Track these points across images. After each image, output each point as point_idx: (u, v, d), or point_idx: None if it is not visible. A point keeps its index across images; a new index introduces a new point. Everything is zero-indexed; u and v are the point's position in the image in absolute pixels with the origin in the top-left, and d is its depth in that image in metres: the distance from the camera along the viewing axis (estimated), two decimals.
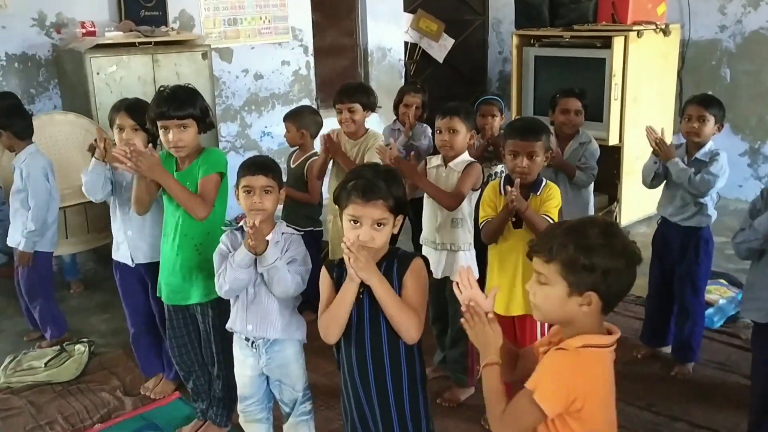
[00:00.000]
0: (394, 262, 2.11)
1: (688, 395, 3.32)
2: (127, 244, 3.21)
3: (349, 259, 1.98)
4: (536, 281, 1.71)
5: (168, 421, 3.23)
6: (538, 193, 2.81)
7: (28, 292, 3.92)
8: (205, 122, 2.80)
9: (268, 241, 2.40)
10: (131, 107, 3.10)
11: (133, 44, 4.95)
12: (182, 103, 2.72)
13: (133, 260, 3.22)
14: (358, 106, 3.74)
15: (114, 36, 4.94)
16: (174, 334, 3.00)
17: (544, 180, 2.87)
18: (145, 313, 3.34)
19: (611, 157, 5.51)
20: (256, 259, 2.41)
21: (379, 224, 2.05)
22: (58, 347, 3.79)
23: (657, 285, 3.55)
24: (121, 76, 4.85)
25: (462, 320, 1.80)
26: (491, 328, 1.76)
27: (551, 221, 2.73)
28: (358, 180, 2.07)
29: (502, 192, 2.80)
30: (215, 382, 2.97)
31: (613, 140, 5.51)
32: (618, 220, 5.71)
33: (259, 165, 2.51)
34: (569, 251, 1.63)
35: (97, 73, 4.75)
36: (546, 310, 1.70)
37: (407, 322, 2.05)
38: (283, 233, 2.50)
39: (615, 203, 5.75)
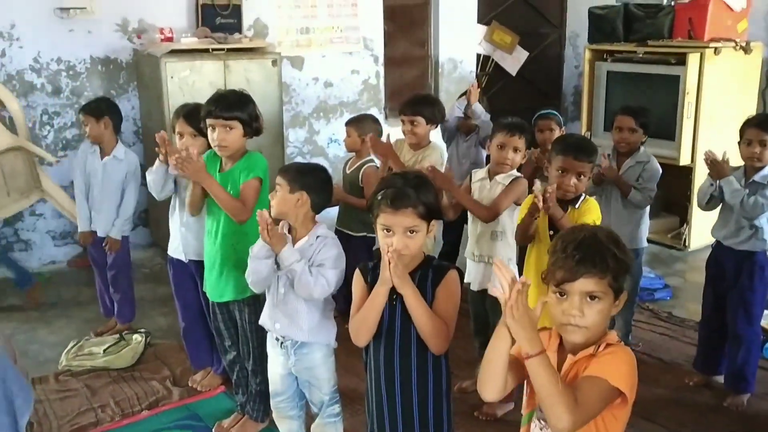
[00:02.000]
0: (429, 272, 2.14)
1: (736, 428, 3.18)
2: (180, 241, 3.35)
3: (389, 263, 2.02)
4: (584, 303, 1.64)
5: (210, 413, 3.33)
6: (577, 206, 2.78)
7: (115, 277, 4.12)
8: (252, 127, 2.90)
9: (287, 242, 2.46)
10: (189, 114, 3.21)
11: (206, 50, 5.15)
12: (230, 104, 2.84)
13: (185, 256, 3.35)
14: (420, 119, 3.80)
15: (189, 42, 5.17)
16: (218, 328, 3.12)
17: (584, 194, 2.82)
18: (195, 309, 3.47)
19: (683, 177, 5.34)
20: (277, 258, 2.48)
21: (411, 231, 2.07)
22: (117, 335, 3.98)
23: (710, 310, 3.41)
24: (194, 80, 5.05)
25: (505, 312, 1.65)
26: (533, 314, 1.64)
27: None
28: (388, 189, 2.11)
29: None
30: (251, 377, 3.06)
31: (684, 160, 5.32)
32: (687, 243, 5.52)
33: (283, 169, 2.60)
34: (617, 258, 1.64)
35: (171, 77, 4.96)
36: (597, 327, 1.67)
37: (435, 333, 2.08)
38: (318, 236, 2.55)
39: (685, 225, 5.56)
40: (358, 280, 2.21)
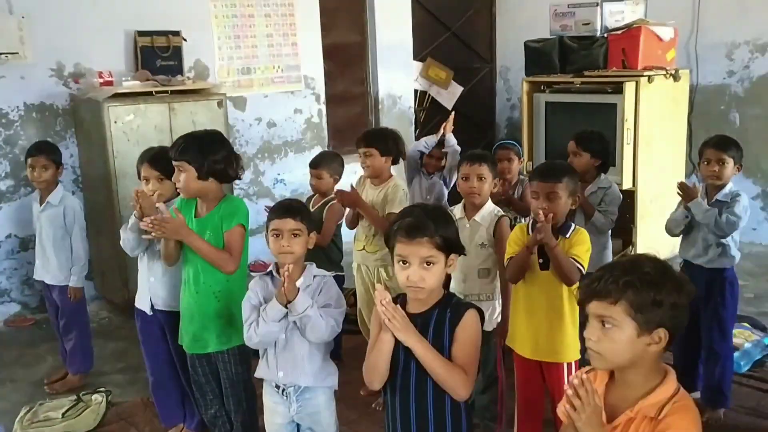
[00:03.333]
0: (447, 312, 2.04)
1: None
2: (148, 291, 3.19)
3: (384, 318, 1.94)
4: (598, 327, 1.64)
5: None
6: (567, 236, 2.79)
7: (67, 325, 4.02)
8: (205, 169, 2.77)
9: (298, 288, 2.38)
10: (154, 158, 3.13)
11: (149, 93, 5.00)
12: (183, 149, 2.78)
13: (153, 307, 3.18)
14: (374, 150, 3.76)
15: (131, 85, 5.00)
16: (198, 382, 2.96)
17: (573, 224, 2.85)
18: (165, 362, 3.29)
19: (625, 201, 5.49)
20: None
21: (428, 263, 1.99)
22: (74, 397, 3.73)
23: (684, 329, 3.49)
24: (138, 124, 4.89)
25: (564, 407, 1.62)
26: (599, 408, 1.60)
27: (580, 266, 2.71)
28: (405, 219, 2.05)
29: (530, 231, 2.79)
30: (239, 431, 2.91)
31: (626, 184, 5.51)
32: None
33: (287, 208, 2.51)
34: (637, 288, 1.59)
35: (115, 122, 4.79)
36: (612, 355, 1.63)
37: (453, 381, 1.98)
38: (315, 276, 2.48)
39: (630, 247, 5.73)
40: (375, 317, 2.10)
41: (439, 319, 2.03)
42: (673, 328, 1.62)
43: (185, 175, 2.78)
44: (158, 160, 3.10)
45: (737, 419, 3.43)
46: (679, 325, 1.63)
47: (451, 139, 4.38)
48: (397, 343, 2.01)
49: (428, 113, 7.51)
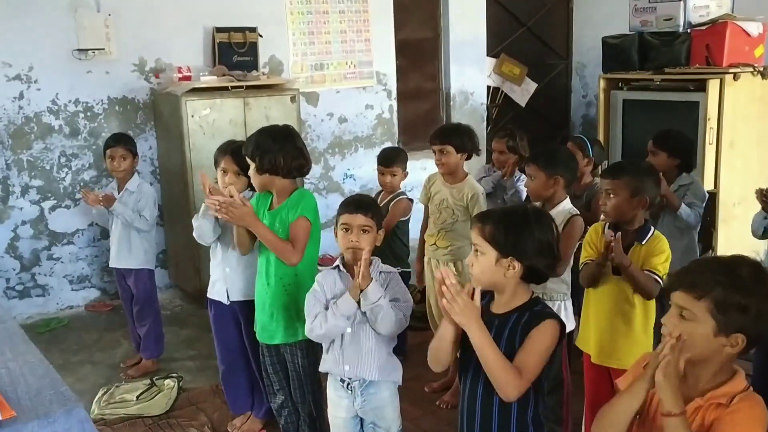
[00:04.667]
0: (526, 316, 1.97)
1: None
2: (224, 281, 3.25)
3: (444, 299, 1.89)
4: (676, 316, 1.62)
5: None
6: (644, 242, 2.70)
7: (140, 311, 4.16)
8: (266, 164, 2.83)
9: (372, 278, 2.38)
10: (236, 151, 3.13)
11: (225, 88, 5.11)
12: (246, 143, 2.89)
13: (228, 297, 3.25)
14: (449, 147, 3.71)
15: (208, 80, 5.13)
16: (267, 371, 3.01)
17: (653, 229, 2.75)
18: (237, 351, 3.36)
19: (706, 204, 5.29)
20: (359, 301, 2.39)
21: (476, 250, 1.97)
22: (148, 381, 3.86)
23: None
24: (214, 118, 5.00)
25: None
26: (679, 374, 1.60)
27: (658, 279, 2.61)
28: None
29: (605, 232, 2.72)
30: (307, 424, 2.95)
31: (708, 186, 5.27)
32: None
33: (358, 203, 2.52)
34: (725, 289, 1.56)
35: (192, 116, 4.91)
36: (688, 348, 1.59)
37: (503, 380, 1.89)
38: (381, 272, 2.48)
39: (710, 251, 5.50)
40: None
41: (517, 320, 1.98)
42: (754, 336, 1.57)
43: (251, 169, 2.87)
44: (239, 153, 3.12)
45: None
46: (762, 333, 1.57)
47: (515, 182, 4.18)
48: None
49: (501, 110, 7.42)
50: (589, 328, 2.85)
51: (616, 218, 2.74)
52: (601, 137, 5.95)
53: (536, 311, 1.99)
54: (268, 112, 5.20)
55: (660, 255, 2.65)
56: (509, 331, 1.96)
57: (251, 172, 2.87)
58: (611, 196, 2.72)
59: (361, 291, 2.36)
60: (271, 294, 2.88)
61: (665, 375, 1.54)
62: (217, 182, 3.17)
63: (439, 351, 2.04)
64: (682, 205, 3.56)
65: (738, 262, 1.63)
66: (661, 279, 2.61)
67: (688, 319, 1.60)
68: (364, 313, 2.42)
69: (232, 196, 2.75)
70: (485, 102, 7.19)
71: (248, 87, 5.19)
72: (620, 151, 5.83)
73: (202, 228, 3.13)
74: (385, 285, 2.44)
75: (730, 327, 1.57)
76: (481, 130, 7.06)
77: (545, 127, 7.61)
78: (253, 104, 5.16)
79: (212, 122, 4.99)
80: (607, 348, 2.75)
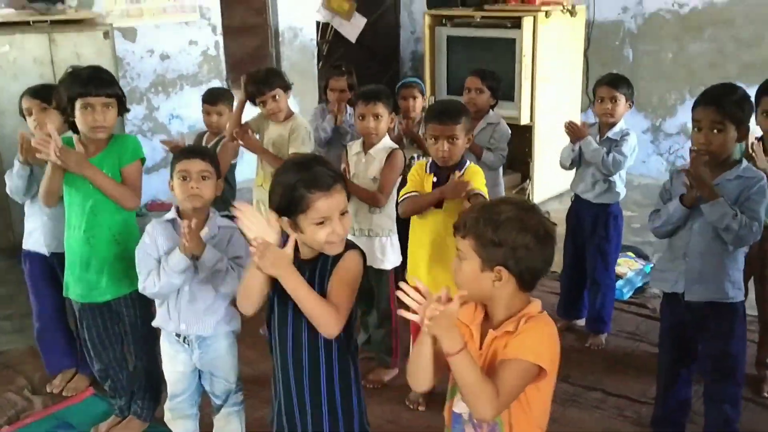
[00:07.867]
0: (331, 256, 1.98)
1: (601, 365, 3.46)
2: (42, 232, 3.04)
3: (255, 257, 1.86)
4: (457, 257, 1.73)
5: (83, 419, 3.09)
6: (461, 171, 2.83)
7: None
8: (125, 106, 2.66)
9: (205, 243, 2.30)
10: (35, 90, 3.00)
11: (27, 23, 4.66)
12: (108, 82, 2.59)
13: (48, 249, 3.05)
14: (280, 91, 3.64)
15: (5, 14, 4.64)
16: (90, 333, 2.83)
17: (468, 161, 2.89)
18: (54, 307, 3.19)
19: (523, 135, 5.63)
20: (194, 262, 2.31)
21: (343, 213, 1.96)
22: None
23: (571, 260, 3.66)
24: (15, 57, 4.57)
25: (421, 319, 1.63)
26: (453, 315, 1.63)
27: (483, 197, 2.75)
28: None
29: (428, 170, 2.85)
30: (139, 376, 2.87)
31: (524, 119, 5.62)
32: (531, 198, 5.85)
33: (196, 150, 2.48)
34: (479, 226, 1.67)
35: None
36: (465, 286, 1.69)
37: (322, 318, 1.90)
38: (220, 227, 2.41)
39: (527, 181, 5.90)
40: None
41: (324, 262, 1.99)
42: (515, 268, 1.66)
43: (113, 112, 2.60)
44: (39, 91, 2.98)
45: (617, 343, 3.65)
46: (524, 266, 1.66)
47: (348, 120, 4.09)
48: None
49: (331, 46, 7.36)
50: (417, 257, 2.97)
51: (456, 160, 2.84)
52: (426, 73, 6.12)
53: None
54: (79, 49, 4.81)
55: (479, 176, 2.85)
56: (319, 272, 1.97)
57: (112, 116, 2.59)
58: (455, 141, 2.79)
59: (197, 259, 2.28)
60: (96, 248, 2.67)
61: (432, 320, 1.59)
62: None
63: (250, 293, 1.97)
64: (485, 151, 3.70)
65: (501, 202, 1.76)
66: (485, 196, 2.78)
67: (462, 258, 1.71)
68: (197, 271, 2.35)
69: (49, 135, 2.50)
70: (315, 38, 7.09)
71: (53, 22, 4.76)
72: (446, 87, 6.02)
73: (18, 186, 2.95)
74: (227, 241, 2.37)
75: (492, 261, 1.66)
76: (312, 67, 6.99)
77: (376, 64, 7.65)
78: (61, 41, 4.74)
79: (13, 61, 4.55)
80: (437, 276, 2.84)
